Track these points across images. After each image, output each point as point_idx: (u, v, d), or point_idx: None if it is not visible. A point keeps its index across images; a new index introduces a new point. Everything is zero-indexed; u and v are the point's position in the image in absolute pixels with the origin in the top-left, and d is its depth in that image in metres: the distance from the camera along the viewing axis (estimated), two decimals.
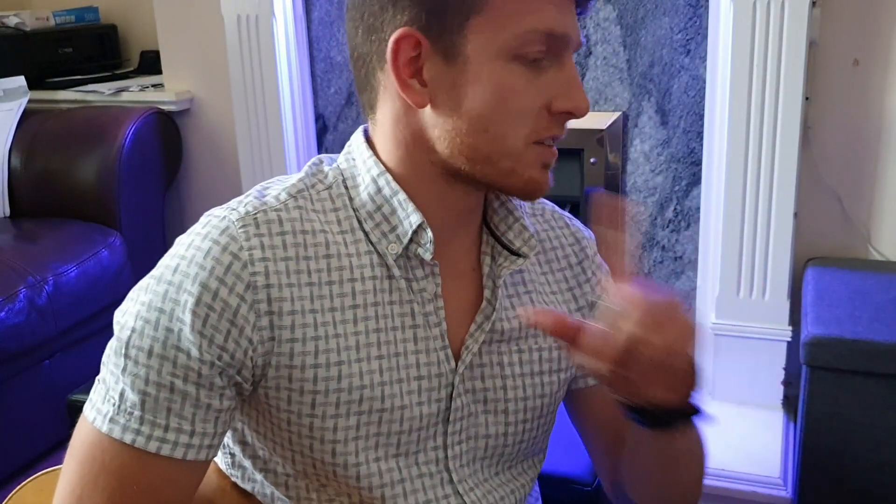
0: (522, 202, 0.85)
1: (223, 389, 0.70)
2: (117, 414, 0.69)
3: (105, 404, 0.70)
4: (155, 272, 0.72)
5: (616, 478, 0.90)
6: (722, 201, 1.82)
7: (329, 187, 0.77)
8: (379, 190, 0.75)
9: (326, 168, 0.79)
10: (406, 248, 0.75)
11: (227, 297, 0.68)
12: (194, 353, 0.68)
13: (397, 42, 0.70)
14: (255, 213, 0.72)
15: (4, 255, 2.02)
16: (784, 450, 1.77)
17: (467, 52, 0.70)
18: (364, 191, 0.76)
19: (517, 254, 0.80)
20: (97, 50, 2.78)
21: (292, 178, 0.77)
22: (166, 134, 2.42)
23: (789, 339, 1.83)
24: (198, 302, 0.68)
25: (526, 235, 0.81)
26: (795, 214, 1.79)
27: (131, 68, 2.81)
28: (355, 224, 0.76)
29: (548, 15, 0.69)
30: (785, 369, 1.86)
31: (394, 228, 0.75)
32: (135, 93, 2.48)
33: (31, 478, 0.79)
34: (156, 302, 0.69)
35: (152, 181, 2.38)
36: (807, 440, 1.56)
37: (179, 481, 0.71)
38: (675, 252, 2.03)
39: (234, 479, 0.82)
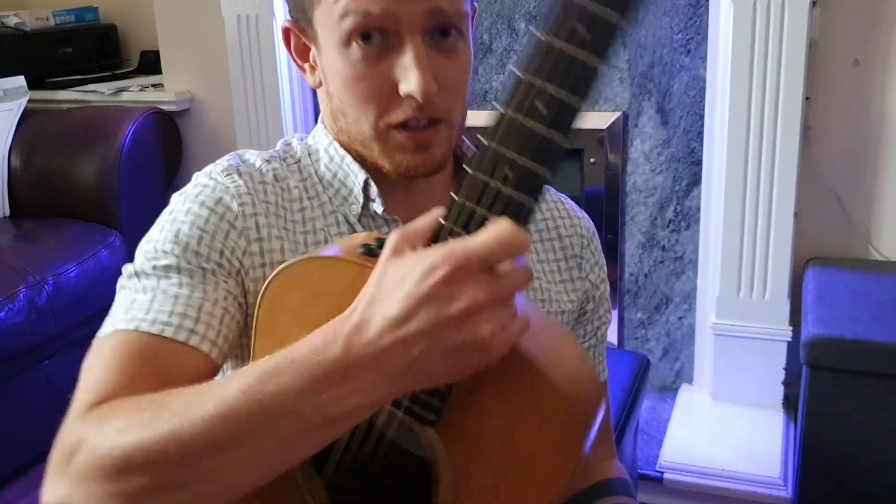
0: None
1: (227, 293, 0.73)
2: (126, 314, 0.71)
3: (111, 316, 0.72)
4: (154, 224, 0.78)
5: None
6: (722, 201, 1.82)
7: (298, 160, 0.83)
8: (331, 158, 0.81)
9: (295, 144, 0.85)
10: (364, 206, 0.79)
11: (218, 222, 0.74)
12: (194, 261, 0.72)
13: (284, 32, 0.80)
14: (237, 167, 0.79)
15: (4, 255, 2.02)
16: (784, 450, 1.77)
17: (321, 40, 0.75)
18: (322, 161, 0.82)
19: None
20: (97, 50, 2.78)
21: (263, 152, 0.83)
22: (166, 134, 2.42)
23: (789, 339, 1.83)
24: (191, 226, 0.74)
25: None
26: (795, 214, 1.79)
27: (131, 68, 2.81)
28: (321, 190, 0.81)
29: None
30: (785, 369, 1.86)
31: (350, 191, 0.80)
32: (135, 93, 2.48)
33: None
34: (154, 235, 0.75)
35: (152, 181, 2.38)
36: (807, 440, 1.56)
37: (185, 364, 0.70)
38: (675, 252, 2.03)
39: None
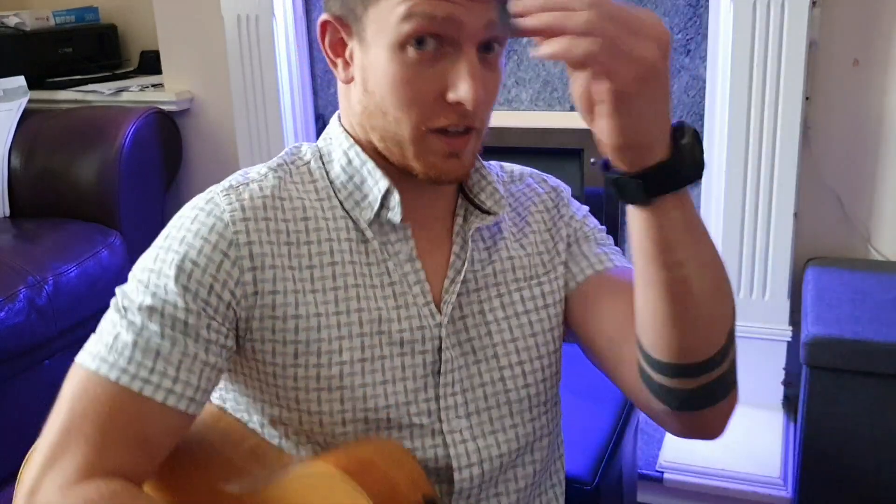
0: (497, 170, 0.91)
1: (209, 343, 0.74)
2: (108, 353, 0.73)
3: (97, 346, 0.75)
4: (151, 245, 0.79)
5: (640, 364, 0.77)
6: (722, 201, 1.82)
7: (307, 163, 0.84)
8: (350, 161, 0.81)
9: (305, 148, 0.86)
10: (378, 213, 0.79)
11: (211, 253, 0.75)
12: (181, 304, 0.73)
13: (322, 25, 0.79)
14: (238, 185, 0.79)
15: (4, 255, 2.02)
16: (784, 450, 1.77)
17: (369, 38, 0.75)
18: (337, 163, 0.82)
19: (488, 212, 0.84)
20: (97, 50, 2.78)
21: (273, 159, 0.85)
22: (166, 134, 2.42)
23: (789, 339, 1.83)
24: (183, 258, 0.74)
25: (497, 196, 0.84)
26: (795, 214, 1.79)
27: (131, 68, 2.81)
28: (331, 193, 0.82)
29: (432, 3, 0.70)
30: (785, 369, 1.86)
31: (365, 196, 0.80)
32: (135, 93, 2.48)
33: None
34: (148, 264, 0.76)
35: (152, 181, 2.38)
36: (807, 440, 1.56)
37: (163, 424, 0.74)
38: None
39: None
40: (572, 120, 2.01)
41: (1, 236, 2.21)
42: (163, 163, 2.41)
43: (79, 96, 2.54)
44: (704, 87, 1.88)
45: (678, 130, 0.65)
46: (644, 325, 0.73)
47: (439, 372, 0.80)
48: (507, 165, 0.94)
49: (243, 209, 0.77)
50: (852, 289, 1.69)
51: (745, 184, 1.78)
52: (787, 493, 1.67)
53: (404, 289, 0.80)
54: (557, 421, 0.92)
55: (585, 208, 0.93)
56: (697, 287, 0.70)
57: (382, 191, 0.78)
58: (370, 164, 0.80)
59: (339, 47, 0.79)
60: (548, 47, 0.60)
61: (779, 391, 1.87)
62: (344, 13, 0.77)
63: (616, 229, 2.06)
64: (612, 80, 0.60)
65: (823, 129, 1.86)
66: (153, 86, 2.52)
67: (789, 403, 1.88)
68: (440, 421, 0.80)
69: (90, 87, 2.55)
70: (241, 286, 0.75)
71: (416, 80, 0.73)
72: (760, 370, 1.85)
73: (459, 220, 0.85)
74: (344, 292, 0.78)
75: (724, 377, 0.77)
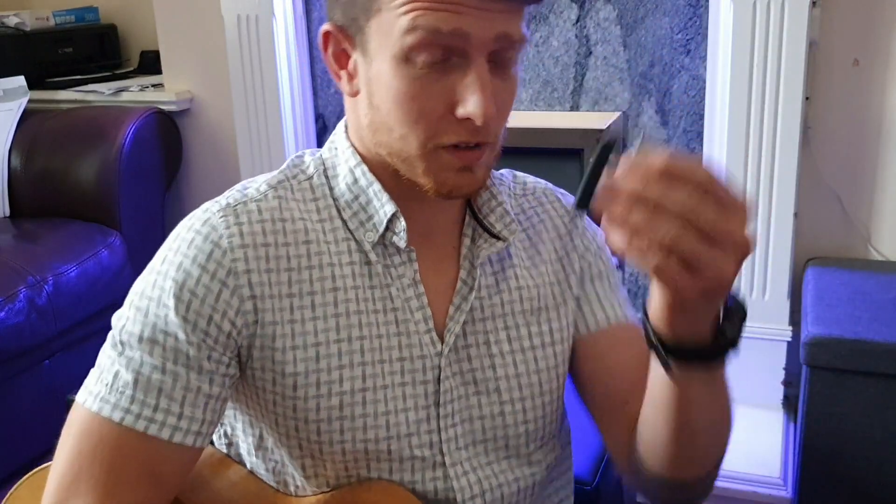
0: (510, 182, 0.87)
1: (212, 374, 0.72)
2: (109, 393, 0.71)
3: (97, 385, 0.72)
4: (149, 265, 0.76)
5: (631, 448, 0.82)
6: None
7: (310, 178, 0.80)
8: (356, 180, 0.77)
9: (308, 159, 0.81)
10: (382, 235, 0.76)
11: (209, 282, 0.72)
12: (181, 336, 0.71)
13: (324, 36, 0.75)
14: (236, 205, 0.76)
15: (4, 255, 2.02)
16: (784, 450, 1.77)
17: (372, 50, 0.71)
18: (342, 180, 0.78)
19: (497, 237, 0.81)
20: (97, 50, 2.78)
21: (274, 172, 0.81)
22: (166, 134, 2.42)
23: (789, 339, 1.83)
24: (181, 288, 0.72)
25: (507, 220, 0.81)
26: (795, 214, 1.79)
27: (131, 68, 2.81)
28: (334, 213, 0.78)
29: (437, 14, 0.66)
30: (785, 369, 1.86)
31: (370, 217, 0.77)
32: (135, 93, 2.48)
33: (28, 475, 0.80)
34: (146, 291, 0.73)
35: (152, 181, 2.38)
36: (807, 440, 1.56)
37: (171, 461, 0.72)
38: None
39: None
40: (572, 120, 2.01)
41: (1, 236, 2.21)
42: (163, 163, 2.41)
43: (79, 96, 2.54)
44: (704, 87, 1.88)
45: (727, 312, 0.64)
46: (642, 435, 0.77)
47: (439, 403, 0.78)
48: (521, 176, 0.90)
49: (242, 234, 0.74)
50: (852, 289, 1.69)
51: (745, 184, 1.78)
52: (787, 493, 1.67)
53: (406, 315, 0.77)
54: (563, 457, 0.88)
55: (601, 236, 0.88)
56: (702, 432, 0.74)
57: (388, 214, 0.75)
58: (377, 186, 0.76)
59: (343, 58, 0.75)
60: (618, 242, 0.56)
61: (779, 391, 1.87)
62: (346, 23, 0.73)
63: None
64: (676, 291, 0.58)
65: (823, 129, 1.86)
66: (153, 86, 2.52)
67: (789, 403, 1.88)
68: (441, 454, 0.78)
69: (90, 87, 2.55)
70: (242, 315, 0.73)
71: (423, 95, 0.69)
72: (760, 370, 1.85)
73: (467, 241, 0.81)
74: (346, 319, 0.75)
75: (706, 489, 0.82)
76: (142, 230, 2.31)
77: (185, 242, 0.74)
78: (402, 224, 0.75)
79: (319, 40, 0.76)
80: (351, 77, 0.75)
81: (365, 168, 0.77)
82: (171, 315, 0.71)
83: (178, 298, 0.71)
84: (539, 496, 0.85)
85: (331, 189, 0.79)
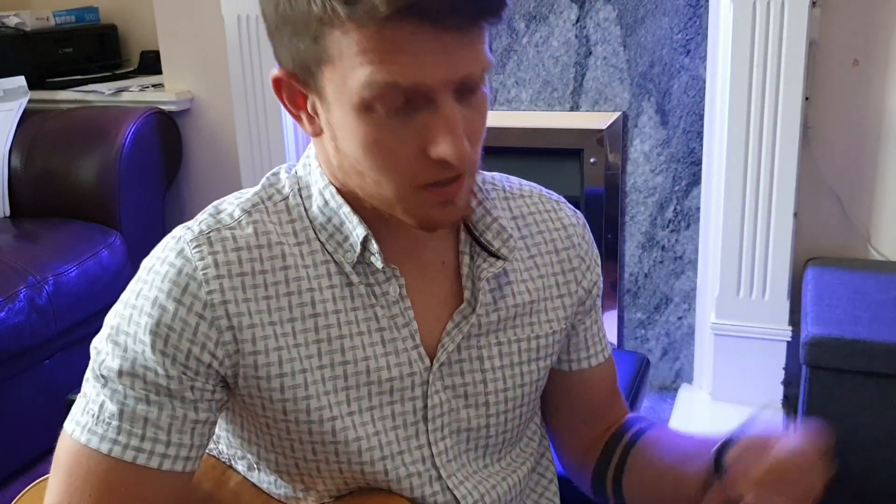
0: (503, 184, 0.86)
1: (196, 402, 0.72)
2: (96, 424, 0.70)
3: (84, 416, 0.71)
4: (122, 297, 0.74)
5: (584, 462, 0.91)
6: (722, 201, 1.83)
7: (286, 198, 0.77)
8: (326, 202, 0.75)
9: (284, 177, 0.78)
10: (361, 255, 0.74)
11: (186, 316, 0.70)
12: (160, 371, 0.70)
13: (275, 81, 0.71)
14: (209, 232, 0.73)
15: (4, 255, 2.02)
16: None
17: (329, 98, 0.67)
18: (314, 202, 0.76)
19: (496, 255, 0.79)
20: (97, 50, 2.78)
21: (248, 193, 0.77)
22: (166, 134, 2.42)
23: (789, 339, 1.83)
24: (157, 323, 0.70)
25: (504, 236, 0.79)
26: (795, 214, 1.79)
27: (131, 68, 2.81)
28: (311, 235, 0.75)
29: (392, 68, 0.62)
30: (785, 369, 1.86)
31: (346, 238, 0.74)
32: (135, 93, 2.48)
33: (32, 485, 0.79)
34: (122, 326, 0.71)
35: (152, 181, 2.38)
36: None
37: (162, 487, 0.72)
38: (675, 252, 2.03)
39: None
40: (572, 120, 2.01)
41: (1, 236, 2.21)
42: (163, 163, 2.42)
43: (79, 96, 2.54)
44: (704, 88, 1.88)
45: None
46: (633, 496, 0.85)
47: (427, 418, 0.78)
48: (514, 179, 0.88)
49: (216, 265, 0.71)
50: (852, 289, 1.69)
51: (745, 184, 1.78)
52: None
53: (393, 334, 0.76)
54: (540, 444, 0.91)
55: (598, 261, 0.89)
56: None
57: (360, 238, 0.73)
58: (346, 209, 0.74)
59: (300, 99, 0.71)
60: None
61: (779, 391, 1.87)
62: (296, 69, 0.68)
63: (616, 229, 2.06)
64: None
65: (823, 129, 1.86)
66: (153, 86, 2.52)
67: (789, 403, 1.88)
68: (435, 467, 0.78)
69: (90, 87, 2.55)
70: (222, 346, 0.71)
71: (391, 140, 0.65)
72: (760, 370, 1.85)
73: (467, 258, 0.80)
74: (327, 345, 0.73)
75: None
76: (142, 230, 2.31)
77: (159, 276, 0.71)
78: (374, 246, 0.73)
79: (271, 85, 0.71)
80: (311, 118, 0.71)
81: (333, 190, 0.74)
82: (149, 352, 0.70)
83: (154, 334, 0.70)
84: (529, 481, 0.88)
85: (306, 210, 0.76)
